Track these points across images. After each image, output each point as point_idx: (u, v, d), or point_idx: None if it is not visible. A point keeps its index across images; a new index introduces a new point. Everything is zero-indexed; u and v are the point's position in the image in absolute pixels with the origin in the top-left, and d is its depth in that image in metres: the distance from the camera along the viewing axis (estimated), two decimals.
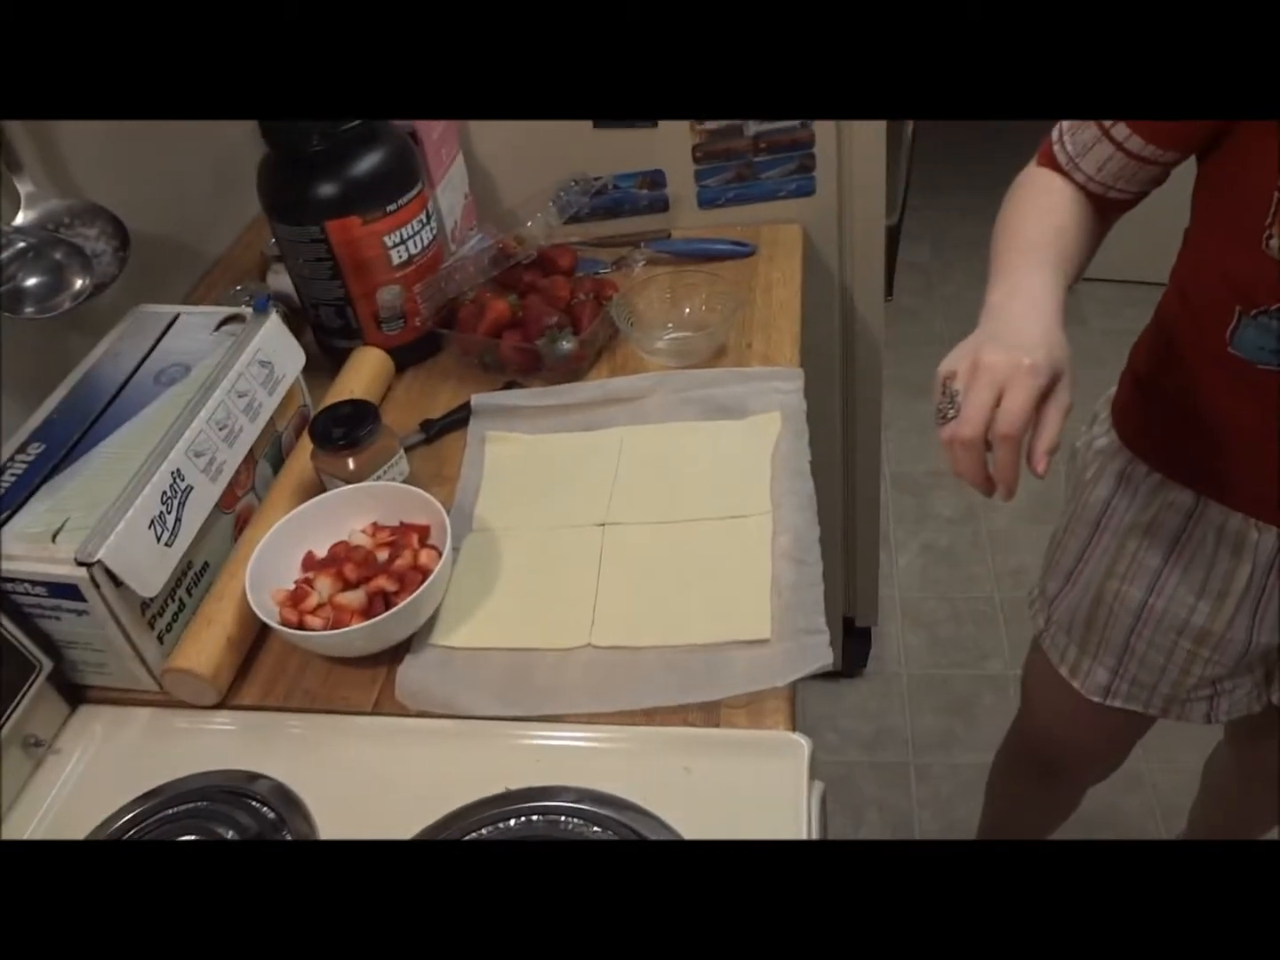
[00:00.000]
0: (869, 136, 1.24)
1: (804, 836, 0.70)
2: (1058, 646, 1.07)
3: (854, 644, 1.83)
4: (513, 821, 0.73)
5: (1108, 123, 0.77)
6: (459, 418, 1.06)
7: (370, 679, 0.84)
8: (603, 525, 0.92)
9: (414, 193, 1.06)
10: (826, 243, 1.34)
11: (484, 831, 0.73)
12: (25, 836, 0.78)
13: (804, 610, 0.81)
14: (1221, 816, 1.38)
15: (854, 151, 1.26)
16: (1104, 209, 0.84)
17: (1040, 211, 0.81)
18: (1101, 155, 0.80)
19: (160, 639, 0.84)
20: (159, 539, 0.81)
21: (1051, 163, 0.84)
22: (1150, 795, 1.64)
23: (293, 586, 0.85)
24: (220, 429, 0.89)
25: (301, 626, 0.81)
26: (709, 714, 0.77)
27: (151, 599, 0.82)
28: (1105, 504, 0.97)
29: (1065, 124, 0.82)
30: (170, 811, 0.78)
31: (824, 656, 0.77)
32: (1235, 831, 1.35)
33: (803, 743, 0.75)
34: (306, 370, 1.05)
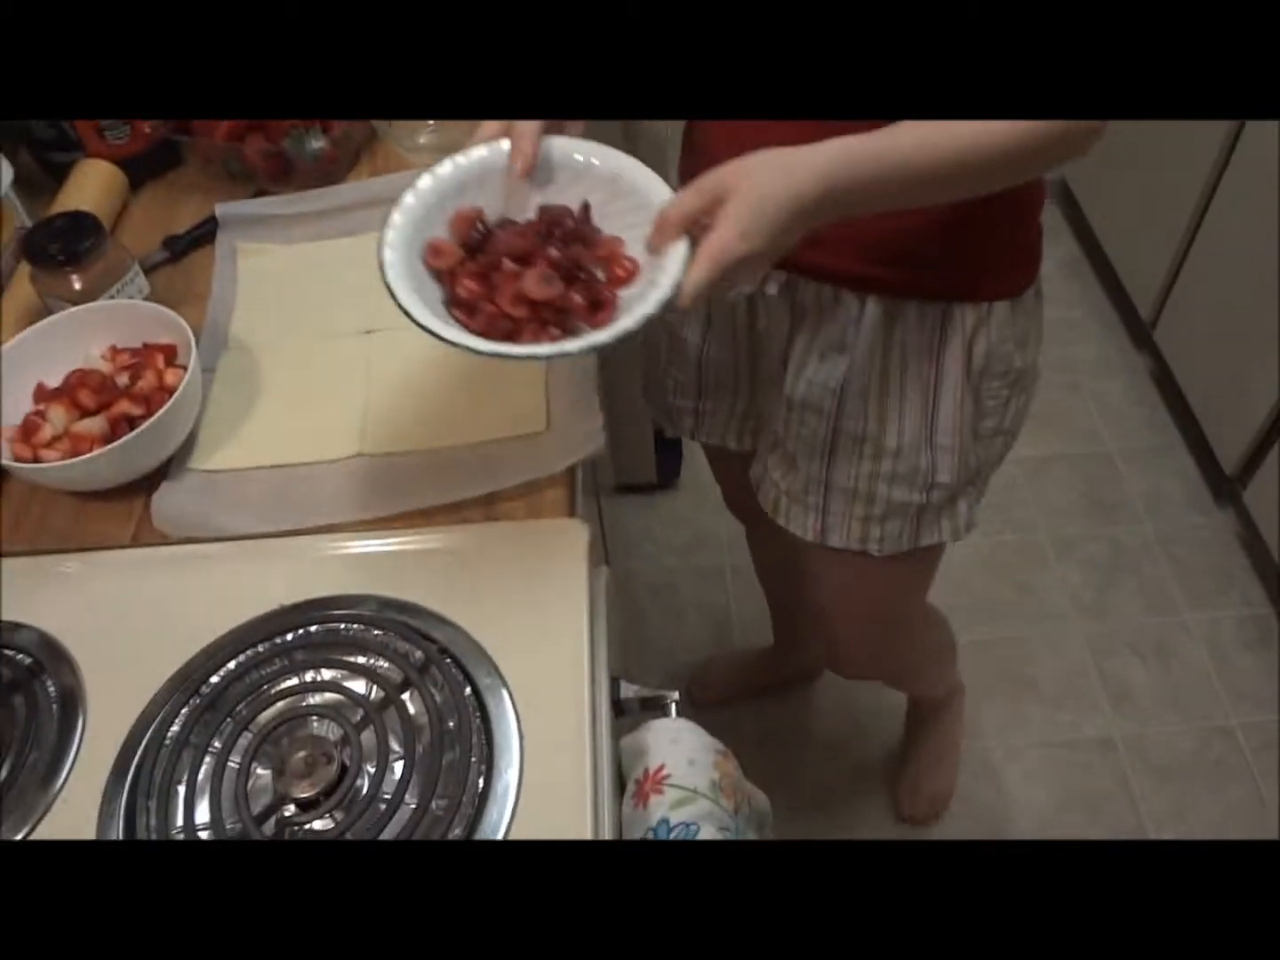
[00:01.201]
0: None
1: (585, 619, 0.71)
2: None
3: (665, 456, 1.85)
4: (290, 635, 0.71)
5: None
6: (205, 231, 0.97)
7: (126, 512, 0.78)
8: (369, 332, 0.87)
9: None
10: None
11: (260, 648, 0.71)
12: None
13: (578, 401, 0.80)
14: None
15: None
16: None
17: None
18: None
19: None
20: None
21: None
22: (942, 571, 1.77)
23: (22, 421, 0.78)
24: None
25: (36, 462, 0.75)
26: (488, 509, 0.76)
27: None
28: None
29: None
30: None
31: (596, 441, 0.76)
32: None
33: (581, 527, 0.74)
34: (27, 192, 0.94)
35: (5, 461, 0.74)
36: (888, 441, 0.89)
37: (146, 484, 0.78)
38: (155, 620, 0.74)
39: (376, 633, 0.70)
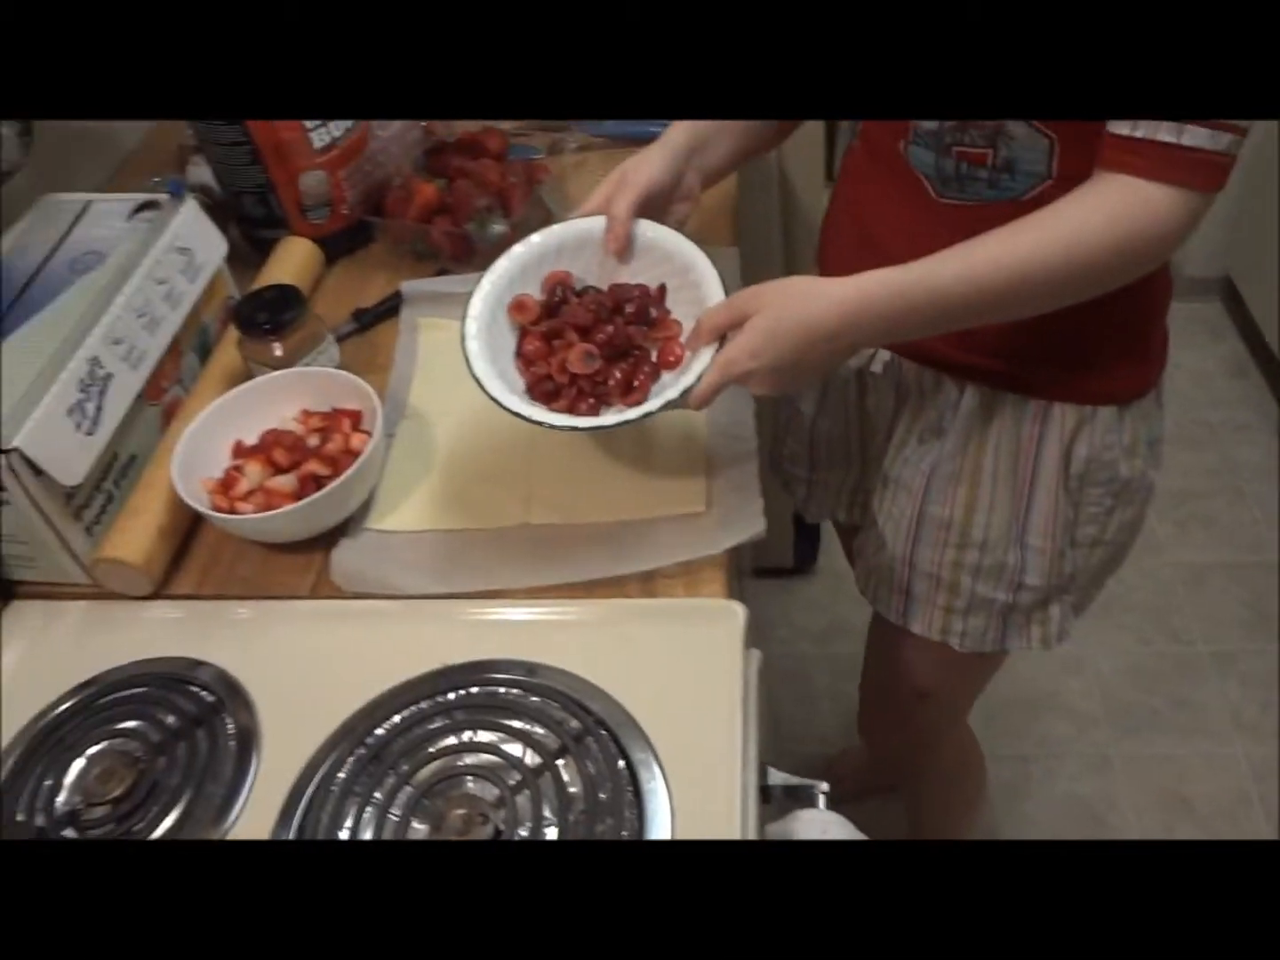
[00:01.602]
0: None
1: (739, 701, 0.71)
2: None
3: (804, 541, 1.84)
4: (451, 694, 0.74)
5: None
6: (391, 306, 1.03)
7: (306, 565, 0.83)
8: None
9: None
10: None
11: (423, 705, 0.73)
12: None
13: (739, 483, 0.82)
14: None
15: None
16: None
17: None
18: None
19: (89, 531, 0.82)
20: (79, 427, 0.79)
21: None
22: (1091, 679, 1.69)
23: (222, 475, 0.84)
24: (139, 316, 0.86)
25: (232, 513, 0.80)
26: (646, 585, 0.78)
27: (76, 489, 0.80)
28: None
29: None
30: (109, 699, 0.78)
31: (757, 524, 0.77)
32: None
33: (738, 609, 0.75)
34: (233, 264, 1.02)
35: (205, 511, 0.79)
36: (974, 532, 0.88)
37: (326, 540, 0.83)
38: (327, 669, 0.77)
39: (534, 699, 0.72)
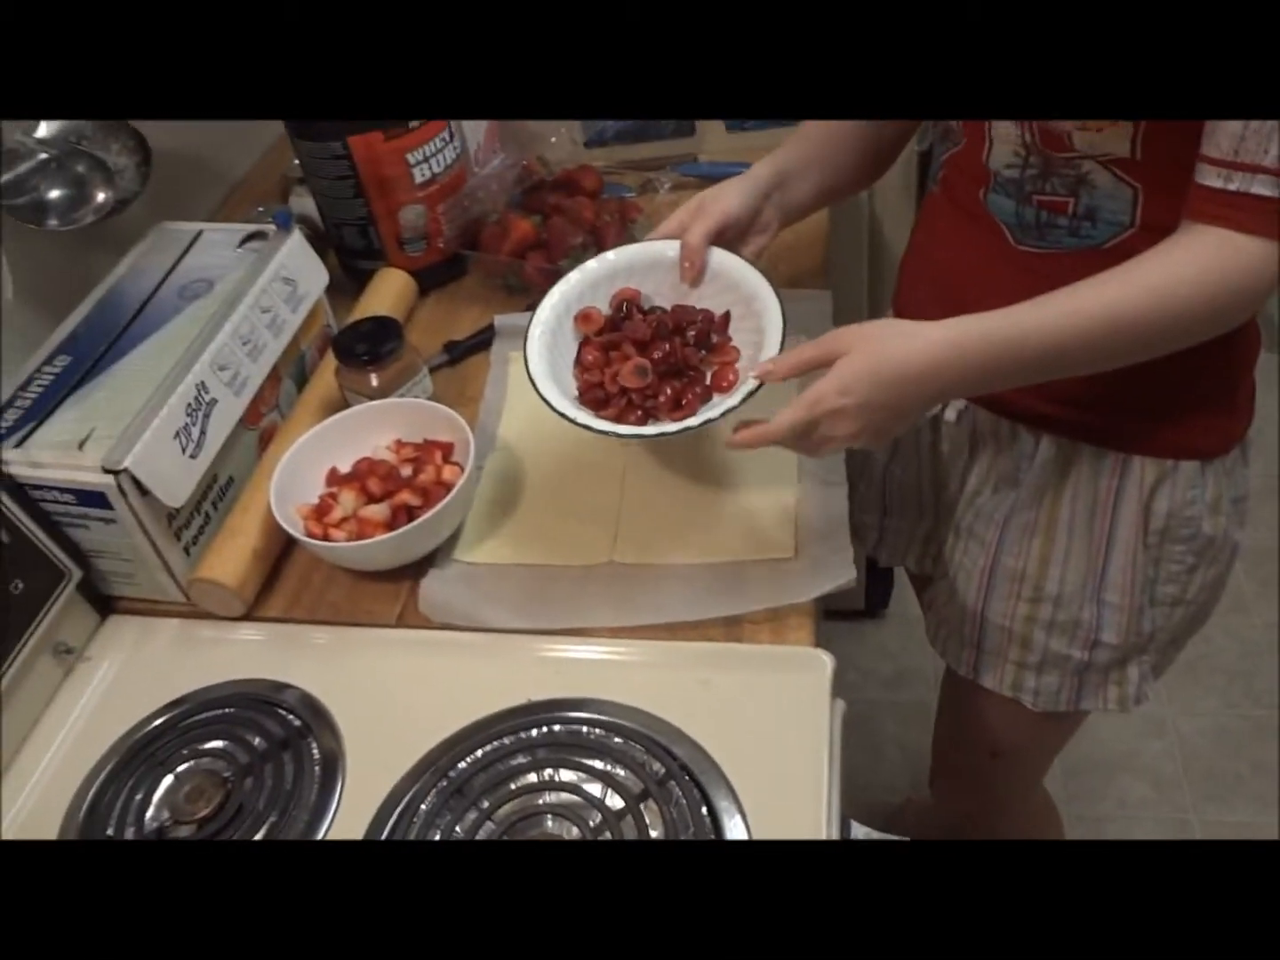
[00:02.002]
0: None
1: (825, 753, 0.70)
2: None
3: (876, 584, 1.82)
4: (534, 731, 0.74)
5: None
6: (483, 339, 1.05)
7: (394, 593, 0.84)
8: (626, 443, 0.91)
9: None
10: None
11: (505, 740, 0.73)
12: (56, 742, 0.80)
13: (828, 530, 0.81)
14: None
15: None
16: None
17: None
18: None
19: (187, 551, 0.84)
20: (184, 450, 0.81)
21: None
22: (1173, 741, 1.64)
23: (317, 501, 0.86)
24: (244, 343, 0.88)
25: (326, 540, 0.82)
26: (731, 629, 0.77)
27: (178, 510, 0.82)
28: None
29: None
30: (199, 718, 0.79)
31: (847, 573, 0.76)
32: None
33: (825, 659, 0.74)
34: (330, 292, 1.04)
35: (299, 536, 0.81)
36: (1048, 586, 0.85)
37: (414, 569, 0.84)
38: (411, 699, 0.78)
39: (618, 740, 0.72)
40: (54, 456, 0.78)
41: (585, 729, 0.73)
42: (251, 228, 0.98)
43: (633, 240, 1.07)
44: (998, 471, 0.87)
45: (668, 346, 0.80)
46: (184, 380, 0.82)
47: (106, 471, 0.76)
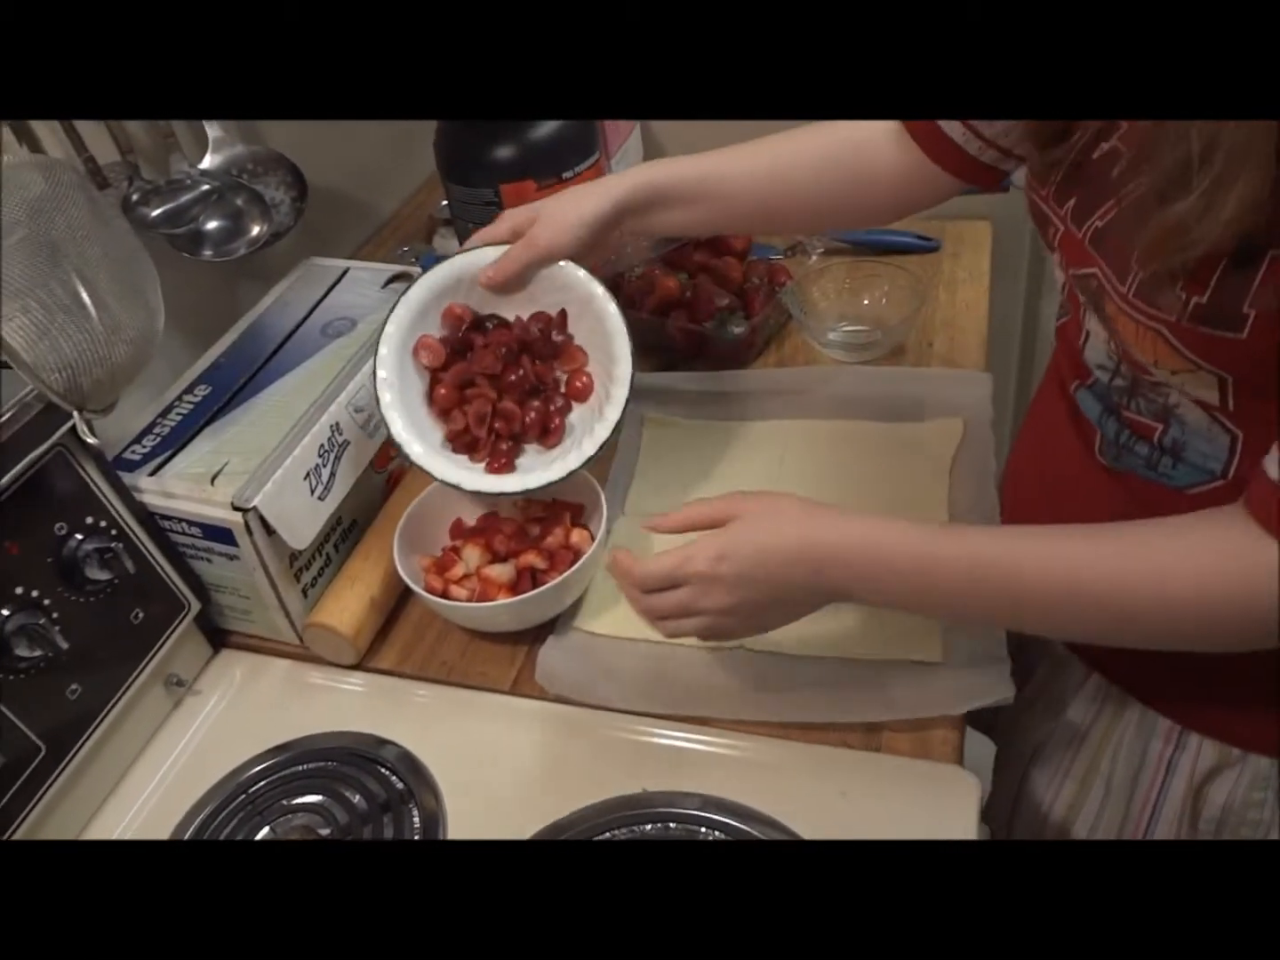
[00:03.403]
0: None
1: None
2: None
3: None
4: (649, 826, 0.69)
5: None
6: None
7: (510, 657, 0.80)
8: None
9: (590, 161, 1.03)
10: (1015, 243, 1.25)
11: (618, 832, 0.68)
12: (159, 775, 0.78)
13: (981, 635, 0.74)
14: None
15: None
16: None
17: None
18: None
19: (305, 593, 0.82)
20: (313, 491, 0.80)
21: None
22: None
23: (440, 553, 0.83)
24: None
25: (446, 595, 0.79)
26: (870, 736, 0.71)
27: (300, 550, 0.80)
28: None
29: None
30: (300, 768, 0.77)
31: (1004, 689, 0.69)
32: None
33: (971, 781, 0.68)
34: None
35: (421, 592, 0.78)
36: (1074, 831, 0.77)
37: (533, 633, 0.80)
38: (520, 773, 0.74)
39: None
40: (186, 489, 0.77)
41: (704, 829, 0.68)
42: (397, 268, 0.98)
43: (780, 307, 1.03)
44: (1046, 694, 0.79)
45: (521, 371, 0.79)
46: (319, 420, 0.81)
47: (236, 509, 0.75)
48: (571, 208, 0.76)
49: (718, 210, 0.78)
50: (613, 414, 0.77)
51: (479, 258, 0.80)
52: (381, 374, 0.77)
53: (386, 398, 0.77)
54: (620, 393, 0.77)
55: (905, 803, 0.67)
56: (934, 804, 0.67)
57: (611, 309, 0.78)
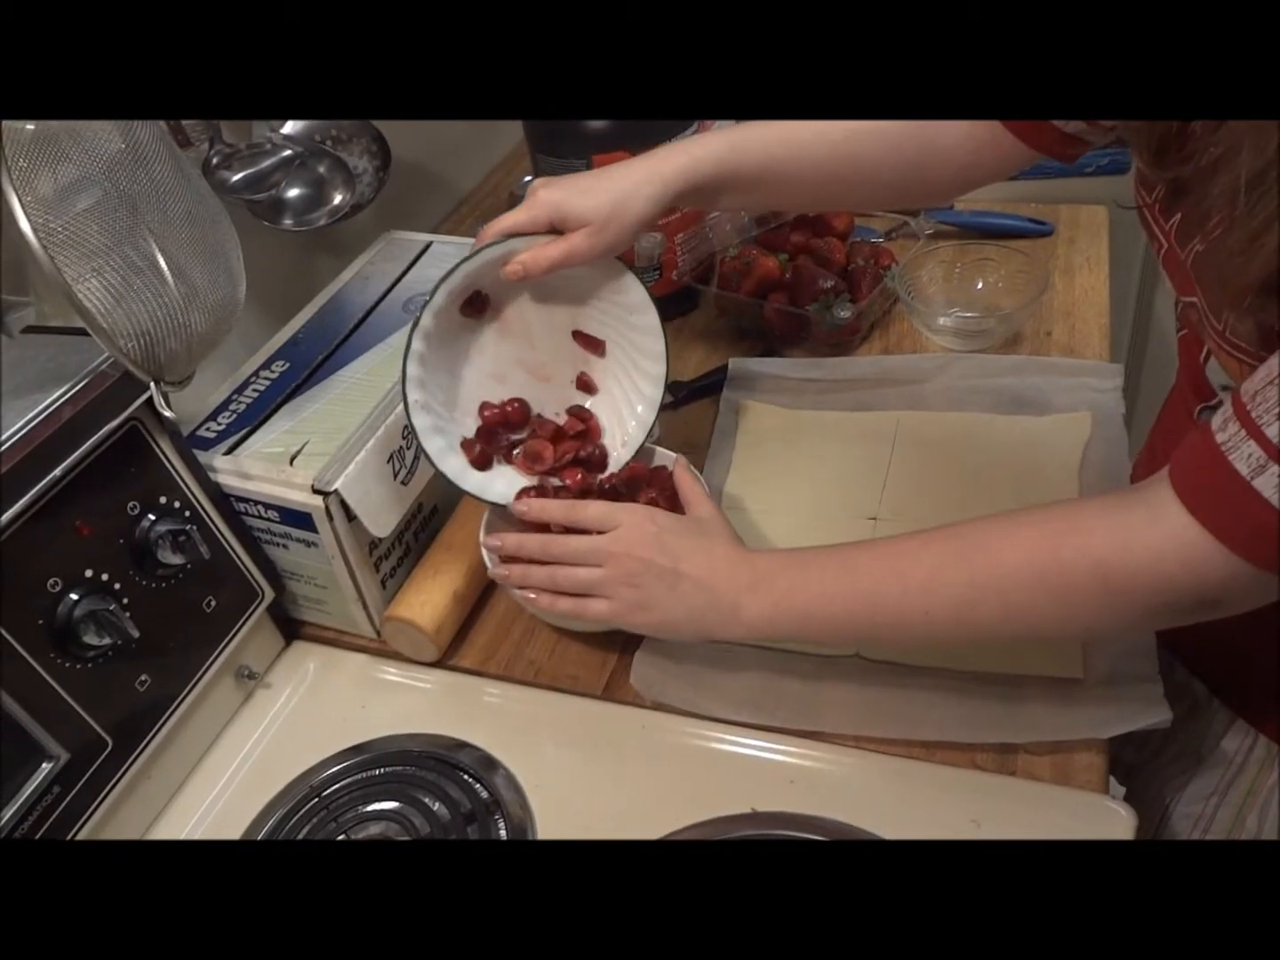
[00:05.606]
0: None
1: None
2: None
3: None
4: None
5: None
6: (712, 382, 0.95)
7: (602, 660, 0.75)
8: (874, 520, 0.80)
9: (688, 132, 0.97)
10: (1131, 229, 1.16)
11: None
12: (229, 771, 0.74)
13: (1127, 649, 0.67)
14: None
15: None
16: None
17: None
18: None
19: (384, 583, 0.78)
20: (395, 475, 0.75)
21: None
22: None
23: None
24: None
25: None
26: (1004, 758, 0.64)
27: (380, 538, 0.75)
28: None
29: None
30: (376, 772, 0.72)
31: (1159, 711, 0.62)
32: None
33: (1125, 815, 0.61)
34: None
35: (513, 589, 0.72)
36: None
37: (628, 635, 0.74)
38: (617, 787, 0.68)
39: None
40: (263, 469, 0.72)
41: None
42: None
43: (886, 291, 0.96)
44: (1179, 740, 0.73)
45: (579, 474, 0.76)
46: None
47: (316, 492, 0.70)
48: (617, 208, 0.67)
49: (776, 193, 0.74)
50: (647, 414, 0.76)
51: (500, 254, 0.71)
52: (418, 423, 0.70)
53: (433, 447, 0.71)
54: (654, 393, 0.76)
55: (1042, 831, 0.60)
56: (1075, 834, 0.60)
57: (654, 319, 0.73)
